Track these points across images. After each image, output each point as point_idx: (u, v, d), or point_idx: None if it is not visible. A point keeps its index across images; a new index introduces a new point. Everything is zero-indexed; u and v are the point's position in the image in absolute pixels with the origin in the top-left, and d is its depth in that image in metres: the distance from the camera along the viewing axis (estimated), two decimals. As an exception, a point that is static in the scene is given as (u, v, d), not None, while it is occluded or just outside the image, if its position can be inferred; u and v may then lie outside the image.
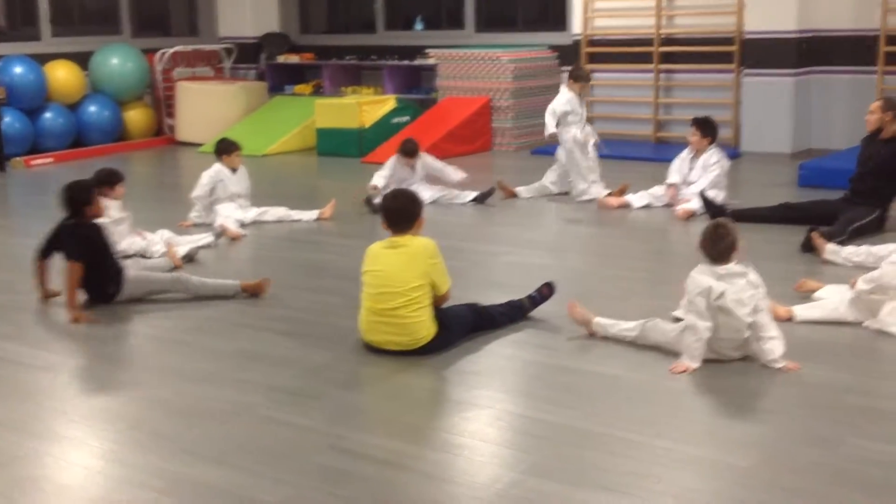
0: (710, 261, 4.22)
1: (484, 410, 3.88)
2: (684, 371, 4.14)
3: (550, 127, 8.12)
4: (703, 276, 4.17)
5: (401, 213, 4.53)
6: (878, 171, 6.56)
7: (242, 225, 7.20)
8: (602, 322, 4.61)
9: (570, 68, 11.32)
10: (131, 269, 5.53)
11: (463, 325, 4.61)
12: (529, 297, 4.96)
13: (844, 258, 5.75)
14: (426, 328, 4.41)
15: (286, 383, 4.19)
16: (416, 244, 4.47)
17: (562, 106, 8.11)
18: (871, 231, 6.40)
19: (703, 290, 4.13)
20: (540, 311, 4.96)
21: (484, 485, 3.25)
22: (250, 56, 13.46)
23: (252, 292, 5.44)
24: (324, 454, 3.49)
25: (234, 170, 7.39)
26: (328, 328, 4.91)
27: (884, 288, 4.61)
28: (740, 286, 4.15)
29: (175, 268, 5.99)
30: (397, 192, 4.85)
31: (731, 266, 4.19)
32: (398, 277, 4.38)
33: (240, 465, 3.42)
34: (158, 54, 12.47)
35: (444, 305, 4.54)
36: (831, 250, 5.84)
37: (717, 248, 4.20)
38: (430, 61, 11.78)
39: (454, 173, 8.19)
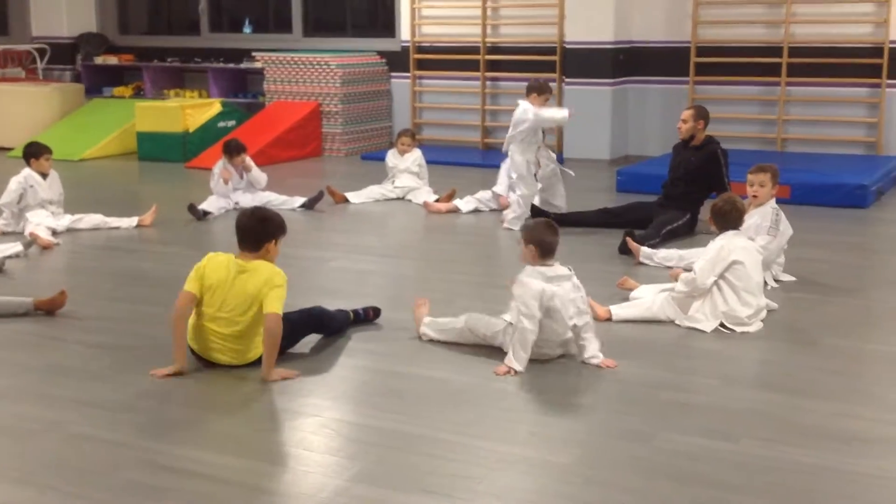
0: (540, 254, 4.30)
1: (309, 419, 3.82)
2: (508, 373, 4.20)
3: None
4: (534, 280, 4.25)
5: (247, 231, 4.25)
6: (689, 176, 6.89)
7: (55, 233, 6.86)
8: (428, 321, 4.66)
9: (405, 74, 11.44)
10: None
11: (295, 331, 4.47)
12: (355, 311, 4.88)
13: (658, 261, 6.00)
14: (257, 341, 4.24)
15: (98, 398, 4.00)
16: (261, 270, 4.17)
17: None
18: (682, 234, 6.72)
19: (536, 294, 4.21)
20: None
21: (308, 495, 3.20)
22: (66, 57, 12.89)
23: (47, 309, 5.09)
24: (137, 470, 3.35)
25: (44, 175, 7.03)
26: (146, 339, 4.71)
27: (698, 289, 4.84)
28: (567, 288, 4.26)
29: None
30: (254, 208, 4.53)
31: (558, 268, 4.29)
32: (239, 308, 4.15)
33: (46, 485, 3.24)
34: (-35, 54, 11.76)
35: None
36: (646, 253, 6.08)
37: (549, 241, 4.29)
38: (257, 65, 11.58)
39: (262, 178, 8.03)
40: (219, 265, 4.23)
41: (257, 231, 4.24)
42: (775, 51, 9.85)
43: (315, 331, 4.63)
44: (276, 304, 4.13)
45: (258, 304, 4.13)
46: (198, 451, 3.51)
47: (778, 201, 5.71)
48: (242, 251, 4.25)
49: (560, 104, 10.61)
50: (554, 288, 4.23)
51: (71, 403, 3.94)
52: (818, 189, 7.93)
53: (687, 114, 7.00)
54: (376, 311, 4.96)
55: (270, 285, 4.13)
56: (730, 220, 4.98)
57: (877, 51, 9.48)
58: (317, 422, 3.78)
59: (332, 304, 4.91)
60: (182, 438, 3.64)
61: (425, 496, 3.15)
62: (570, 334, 4.31)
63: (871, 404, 3.90)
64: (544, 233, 4.31)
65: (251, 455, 3.51)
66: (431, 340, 4.63)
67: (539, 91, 7.24)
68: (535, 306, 4.20)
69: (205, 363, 4.29)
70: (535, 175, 7.22)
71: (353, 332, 4.80)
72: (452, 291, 5.48)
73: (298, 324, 4.49)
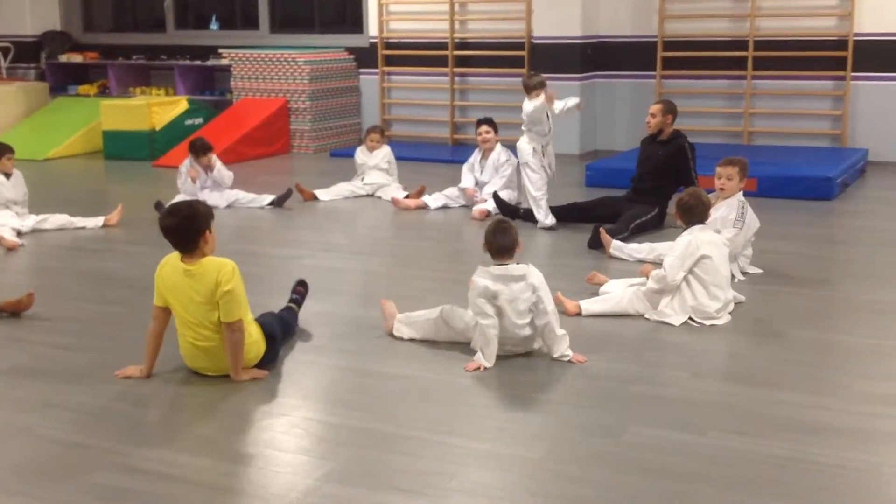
0: (493, 255, 4.33)
1: (279, 419, 3.80)
2: (477, 369, 4.21)
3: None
4: (480, 278, 4.28)
5: (175, 232, 4.01)
6: (657, 171, 6.93)
7: (20, 234, 6.79)
8: (402, 317, 4.67)
9: (373, 71, 11.41)
10: None
11: (285, 331, 4.46)
12: (292, 299, 4.84)
13: (628, 254, 6.04)
14: (251, 351, 4.17)
15: (66, 400, 3.95)
16: (207, 271, 4.01)
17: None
18: (651, 227, 6.76)
19: (481, 291, 4.24)
20: (342, 315, 4.92)
21: (278, 495, 3.18)
22: (29, 55, 12.74)
23: (12, 311, 5.02)
24: (106, 473, 3.32)
25: (7, 175, 6.95)
26: (113, 340, 4.67)
27: (669, 286, 4.87)
28: (517, 289, 4.27)
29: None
30: (172, 207, 4.23)
31: (510, 267, 4.30)
32: (200, 312, 4.04)
33: (13, 490, 3.20)
34: (-75, 52, 11.59)
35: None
36: (616, 246, 6.11)
37: (501, 242, 4.31)
38: (224, 62, 11.51)
39: (227, 177, 7.97)
40: (170, 271, 4.08)
41: (186, 229, 4.00)
42: (741, 44, 9.93)
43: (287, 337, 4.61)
44: (230, 313, 4.01)
45: (216, 309, 4.04)
46: (167, 453, 3.49)
47: (745, 194, 5.76)
48: (182, 253, 4.06)
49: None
50: (500, 287, 4.24)
51: (38, 406, 3.90)
52: (784, 182, 8.00)
53: (655, 108, 7.03)
54: (303, 284, 4.93)
55: (220, 291, 3.98)
56: (696, 214, 5.01)
57: (841, 44, 9.57)
58: (287, 421, 3.76)
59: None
60: (151, 440, 3.61)
61: (396, 494, 3.15)
62: (526, 332, 4.32)
63: (838, 395, 3.95)
64: (493, 234, 4.33)
65: (221, 456, 3.49)
66: (403, 339, 4.62)
67: (536, 88, 7.00)
68: (482, 303, 4.23)
69: (174, 365, 4.25)
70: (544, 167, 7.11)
71: (322, 330, 4.78)
72: (422, 288, 5.48)
73: (283, 330, 4.47)
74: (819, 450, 3.43)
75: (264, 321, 4.35)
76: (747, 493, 3.14)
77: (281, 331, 4.44)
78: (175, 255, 4.10)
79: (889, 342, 4.57)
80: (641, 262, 5.79)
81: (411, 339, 4.61)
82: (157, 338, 4.16)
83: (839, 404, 3.85)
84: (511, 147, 7.80)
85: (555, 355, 4.31)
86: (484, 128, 7.77)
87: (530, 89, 7.03)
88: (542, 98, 6.93)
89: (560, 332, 4.31)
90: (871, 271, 5.86)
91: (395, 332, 4.66)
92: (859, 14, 9.48)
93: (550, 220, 6.95)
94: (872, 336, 4.67)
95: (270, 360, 4.29)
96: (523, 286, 4.27)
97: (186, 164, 7.87)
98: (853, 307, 5.22)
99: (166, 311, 4.14)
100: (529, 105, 6.98)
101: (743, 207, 5.62)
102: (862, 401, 3.87)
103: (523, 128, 7.13)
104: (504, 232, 4.33)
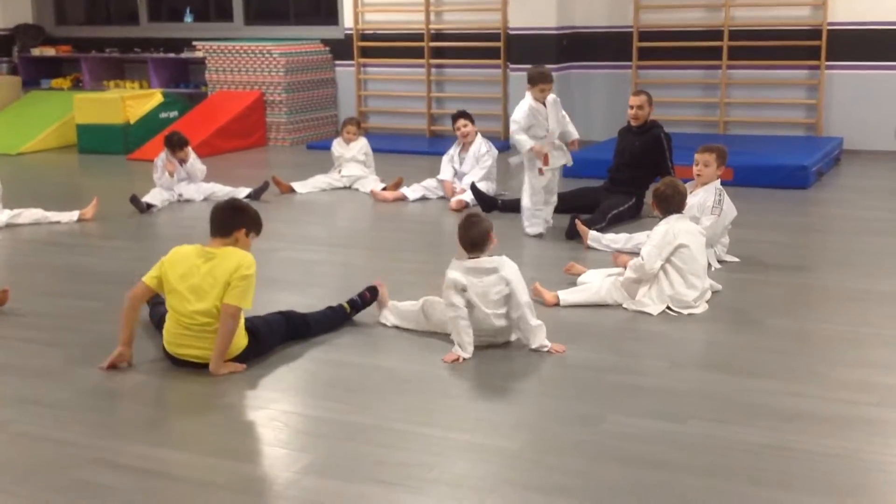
0: (466, 249, 4.33)
1: (259, 412, 3.79)
2: (455, 360, 4.21)
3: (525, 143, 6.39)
4: (451, 271, 4.30)
5: (222, 216, 4.21)
6: (634, 161, 6.95)
7: (-6, 229, 6.72)
8: (391, 305, 4.72)
9: (349, 62, 11.37)
10: None
11: (275, 334, 4.39)
12: (350, 301, 4.78)
13: (605, 244, 6.05)
14: (235, 342, 4.16)
15: (43, 396, 3.92)
16: (231, 255, 4.10)
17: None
18: (628, 217, 6.78)
19: (451, 283, 4.26)
20: (320, 308, 4.90)
21: (257, 488, 3.17)
22: (2, 49, 12.62)
23: None
24: (83, 468, 3.29)
25: (-19, 170, 6.87)
26: (89, 335, 4.64)
27: (647, 275, 4.88)
28: (488, 281, 4.27)
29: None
30: (232, 201, 4.51)
31: (482, 260, 4.30)
32: (208, 296, 4.06)
33: (-11, 488, 3.17)
34: None
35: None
36: (593, 237, 6.12)
37: (471, 235, 4.32)
38: (199, 54, 11.43)
39: (199, 171, 7.92)
40: (183, 257, 4.16)
41: (227, 218, 4.21)
42: (716, 34, 9.97)
43: (294, 338, 4.51)
44: (238, 297, 4.05)
45: (222, 295, 4.06)
46: (146, 448, 3.47)
47: (721, 183, 5.79)
48: (213, 238, 4.21)
49: (505, 91, 10.65)
50: (471, 279, 4.25)
51: (14, 402, 3.87)
52: (760, 171, 8.05)
53: (641, 99, 6.98)
54: (372, 291, 4.83)
55: (239, 275, 4.05)
56: (673, 203, 5.03)
57: (815, 33, 9.63)
58: (265, 414, 3.75)
59: (282, 295, 4.89)
60: (129, 435, 3.59)
61: (376, 486, 3.15)
62: (501, 323, 4.32)
63: (815, 382, 3.98)
64: (464, 228, 4.35)
65: (201, 450, 3.48)
66: (387, 325, 4.65)
67: (531, 81, 6.36)
68: (451, 294, 4.24)
69: (175, 362, 4.20)
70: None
71: (302, 323, 4.77)
72: (401, 280, 5.47)
73: (278, 329, 4.41)
74: (796, 437, 3.45)
75: (250, 318, 4.31)
76: (726, 479, 3.16)
77: (270, 333, 4.35)
78: (192, 246, 4.19)
79: (865, 330, 4.61)
80: (619, 252, 5.80)
81: (395, 327, 4.65)
82: (132, 310, 4.20)
83: (816, 391, 3.88)
84: (490, 137, 7.80)
85: (533, 346, 4.32)
86: (461, 122, 7.75)
87: (532, 81, 6.34)
88: (534, 95, 6.32)
89: (535, 322, 4.31)
90: (846, 259, 5.91)
91: (382, 320, 4.70)
92: (833, 3, 9.54)
93: (533, 229, 6.46)
94: (848, 324, 4.71)
95: (253, 356, 4.25)
96: (495, 279, 4.27)
97: (162, 157, 7.81)
98: (829, 295, 5.26)
99: (151, 292, 4.20)
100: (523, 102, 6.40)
101: (720, 195, 5.65)
102: (838, 388, 3.91)
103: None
104: (473, 225, 4.34)
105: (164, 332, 4.21)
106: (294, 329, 4.52)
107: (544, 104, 6.40)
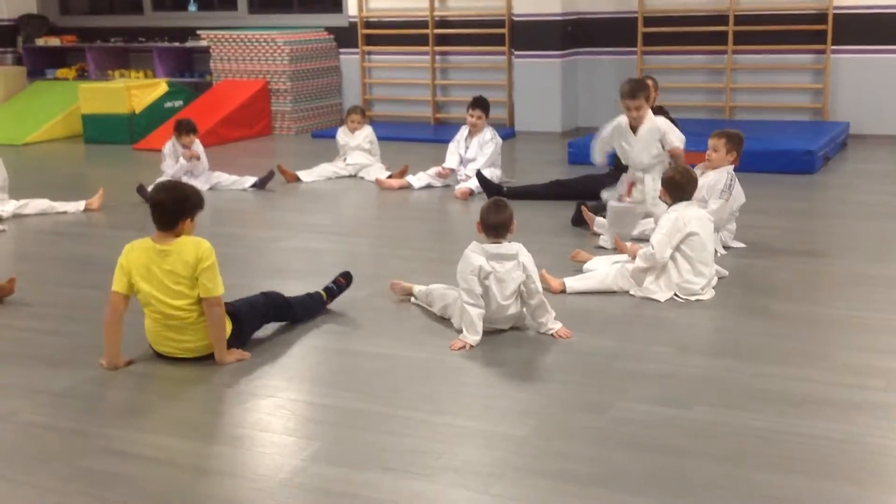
0: (487, 234, 4.32)
1: (265, 400, 3.79)
2: (462, 348, 4.21)
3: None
4: (474, 255, 4.28)
5: (163, 208, 4.06)
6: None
7: (0, 219, 6.73)
8: (420, 289, 4.81)
9: (354, 50, 11.34)
10: None
11: (256, 310, 4.36)
12: (326, 288, 4.79)
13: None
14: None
15: (51, 385, 3.93)
16: (185, 248, 4.01)
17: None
18: (634, 204, 6.74)
19: (475, 269, 4.24)
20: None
21: (265, 476, 3.18)
22: (6, 39, 12.62)
23: None
24: (93, 457, 3.30)
25: (-13, 160, 6.89)
26: (96, 325, 4.61)
27: (658, 263, 4.87)
28: (508, 267, 4.27)
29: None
30: (168, 184, 4.35)
31: (504, 246, 4.30)
32: (175, 291, 4.01)
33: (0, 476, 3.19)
34: None
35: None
36: (599, 223, 6.11)
37: (497, 219, 4.30)
38: (203, 43, 11.42)
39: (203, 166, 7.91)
40: (140, 254, 4.06)
41: (173, 212, 4.06)
42: (721, 19, 9.92)
43: (277, 319, 4.52)
44: (211, 288, 4.01)
45: (194, 287, 4.02)
46: (153, 436, 3.48)
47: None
48: (159, 230, 4.09)
49: (510, 77, 10.63)
50: (493, 264, 4.25)
51: (22, 391, 3.88)
52: (766, 156, 8.02)
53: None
54: (346, 277, 4.88)
55: (202, 267, 3.99)
56: (687, 191, 5.01)
57: (821, 17, 9.58)
58: (272, 402, 3.76)
59: (286, 284, 4.88)
60: (136, 424, 3.60)
61: (384, 473, 3.15)
62: (512, 310, 4.33)
63: (821, 367, 3.97)
64: (487, 213, 4.33)
65: (207, 438, 3.49)
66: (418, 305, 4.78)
67: (622, 96, 5.67)
68: (473, 281, 4.23)
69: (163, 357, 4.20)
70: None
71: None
72: (407, 268, 5.47)
73: (258, 308, 4.39)
74: (804, 421, 3.45)
75: (231, 302, 4.26)
76: (733, 465, 3.15)
77: (251, 315, 4.31)
78: (141, 241, 4.09)
79: (872, 314, 4.60)
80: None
81: (417, 306, 4.78)
82: (116, 325, 4.10)
83: (823, 376, 3.87)
84: (495, 125, 7.79)
85: (542, 330, 4.33)
86: (476, 112, 7.70)
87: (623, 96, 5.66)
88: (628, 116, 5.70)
89: (547, 308, 4.34)
90: (853, 244, 5.89)
91: (413, 300, 4.83)
92: (839, -13, 9.50)
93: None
94: (856, 308, 4.69)
95: (239, 340, 4.23)
96: (514, 265, 4.27)
97: (169, 146, 7.81)
98: (836, 280, 5.24)
99: (126, 299, 4.09)
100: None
101: (732, 179, 5.65)
102: (846, 372, 3.90)
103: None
104: (501, 210, 4.32)
105: (146, 331, 4.16)
106: (275, 307, 4.47)
107: (633, 129, 5.67)
